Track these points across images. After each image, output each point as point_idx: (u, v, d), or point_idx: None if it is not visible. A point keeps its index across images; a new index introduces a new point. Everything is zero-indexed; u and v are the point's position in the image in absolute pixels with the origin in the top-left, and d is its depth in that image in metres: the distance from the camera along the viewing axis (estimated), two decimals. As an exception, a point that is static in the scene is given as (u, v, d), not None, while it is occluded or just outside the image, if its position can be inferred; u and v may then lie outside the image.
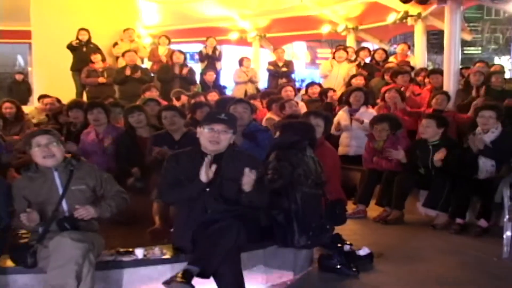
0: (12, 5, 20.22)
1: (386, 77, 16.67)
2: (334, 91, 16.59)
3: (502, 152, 10.87)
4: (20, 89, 27.19)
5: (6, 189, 7.94)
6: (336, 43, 22.31)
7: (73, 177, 7.63)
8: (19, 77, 29.59)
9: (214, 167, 7.48)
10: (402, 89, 15.30)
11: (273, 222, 8.18)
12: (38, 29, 20.41)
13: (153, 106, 12.69)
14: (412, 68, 17.38)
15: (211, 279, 7.31)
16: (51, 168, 7.63)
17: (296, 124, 9.34)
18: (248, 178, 7.47)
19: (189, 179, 7.71)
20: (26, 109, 16.28)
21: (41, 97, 17.52)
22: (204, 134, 7.73)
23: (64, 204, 7.56)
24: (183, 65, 19.79)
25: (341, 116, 14.33)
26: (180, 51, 20.44)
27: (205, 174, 7.48)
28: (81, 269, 7.05)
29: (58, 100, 15.92)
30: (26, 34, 21.43)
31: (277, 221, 8.18)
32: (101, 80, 18.59)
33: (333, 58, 20.00)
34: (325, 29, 21.84)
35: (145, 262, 7.89)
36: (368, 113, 13.95)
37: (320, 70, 20.38)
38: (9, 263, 7.61)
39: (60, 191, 7.58)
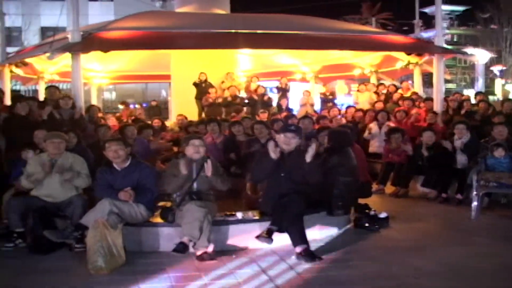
0: (158, 58, 20.39)
1: (400, 102, 16.56)
2: (357, 110, 16.64)
3: (471, 151, 10.97)
4: (154, 110, 27.36)
5: (156, 173, 8.06)
6: (363, 81, 22.17)
7: (203, 168, 7.71)
8: (153, 103, 29.83)
9: (278, 149, 7.68)
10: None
11: (323, 199, 8.16)
12: (175, 73, 20.55)
13: (247, 121, 12.65)
14: (419, 96, 17.21)
15: (285, 234, 7.33)
16: (194, 160, 7.77)
17: (337, 132, 9.33)
18: (310, 152, 7.57)
19: (270, 168, 7.78)
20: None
21: (179, 115, 17.67)
22: (280, 139, 7.85)
23: (195, 184, 7.70)
24: (265, 94, 19.81)
25: (372, 127, 14.26)
26: (263, 86, 20.53)
27: (273, 153, 7.63)
28: (202, 225, 7.16)
29: (185, 117, 15.98)
30: (167, 77, 21.61)
31: (327, 199, 8.17)
32: (214, 104, 18.63)
33: (358, 90, 20.02)
34: (356, 72, 21.74)
35: (243, 221, 8.00)
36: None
37: (352, 98, 20.30)
38: (159, 220, 7.77)
39: (194, 175, 7.72)
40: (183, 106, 18.84)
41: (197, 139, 8.01)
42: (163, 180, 7.96)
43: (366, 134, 14.31)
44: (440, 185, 11.13)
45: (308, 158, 7.63)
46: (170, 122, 17.61)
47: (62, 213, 8.08)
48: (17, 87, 25.46)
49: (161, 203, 8.12)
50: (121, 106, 22.92)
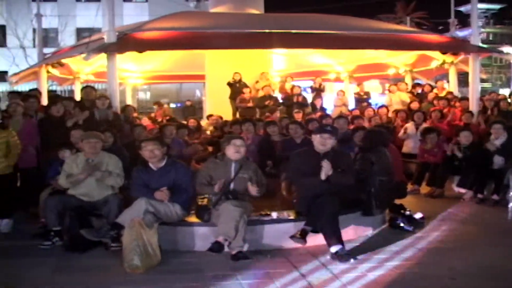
0: (192, 59, 20.43)
1: (435, 102, 16.44)
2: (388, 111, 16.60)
3: (508, 151, 10.90)
4: (189, 110, 27.42)
5: (191, 173, 8.10)
6: (398, 80, 22.02)
7: (242, 169, 7.72)
8: (188, 103, 29.94)
9: (331, 171, 7.61)
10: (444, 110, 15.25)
11: (359, 198, 8.14)
12: (210, 73, 20.58)
13: (285, 121, 12.68)
14: (454, 96, 17.06)
15: (320, 234, 7.34)
16: (234, 160, 7.78)
17: (373, 132, 9.29)
18: (324, 170, 7.63)
19: (306, 169, 7.83)
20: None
21: (209, 116, 17.71)
22: (316, 139, 7.87)
23: (232, 184, 7.70)
24: (300, 94, 19.77)
25: (409, 127, 14.19)
26: (298, 86, 20.50)
27: (324, 175, 7.60)
28: (238, 224, 7.17)
29: (221, 117, 16.00)
30: (202, 77, 21.66)
31: (362, 198, 8.17)
32: (249, 104, 18.64)
33: (389, 90, 19.95)
34: (391, 71, 21.63)
35: (278, 221, 8.00)
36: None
37: (385, 99, 20.21)
38: (194, 219, 7.82)
39: (232, 175, 7.75)
40: (217, 106, 18.88)
41: (238, 139, 8.00)
42: (196, 181, 8.01)
43: (401, 134, 14.22)
44: (476, 185, 11.01)
45: (323, 176, 7.66)
46: (203, 122, 17.66)
47: (98, 212, 8.18)
48: (54, 87, 25.69)
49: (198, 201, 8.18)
50: (155, 106, 23.01)
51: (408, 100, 18.07)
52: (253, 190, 7.74)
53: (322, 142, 7.84)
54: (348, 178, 7.84)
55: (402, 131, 14.27)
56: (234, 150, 7.82)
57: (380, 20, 29.38)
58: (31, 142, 10.15)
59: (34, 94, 12.33)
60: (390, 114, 16.46)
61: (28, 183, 10.13)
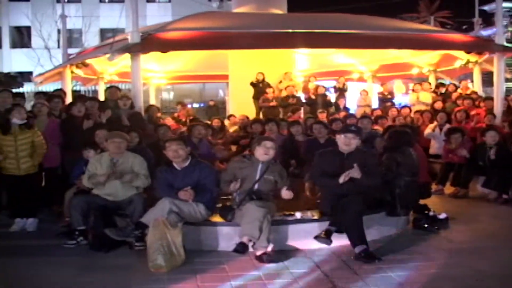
0: (215, 59, 20.47)
1: (459, 101, 16.34)
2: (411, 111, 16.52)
3: None
4: (212, 110, 27.49)
5: (216, 173, 8.11)
6: (421, 80, 21.91)
7: (268, 170, 7.72)
8: (212, 103, 30.02)
9: (359, 176, 7.58)
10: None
11: (383, 199, 8.11)
12: (233, 73, 20.60)
13: (310, 121, 12.69)
14: (478, 96, 16.95)
15: (345, 234, 7.34)
16: (261, 161, 7.78)
17: (398, 132, 9.24)
18: (353, 173, 7.55)
19: (330, 169, 7.81)
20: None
21: (229, 116, 17.76)
22: (340, 139, 7.85)
23: (256, 185, 7.70)
24: (324, 94, 19.76)
25: (432, 128, 14.11)
26: (323, 86, 20.45)
27: (343, 179, 7.55)
28: (262, 225, 7.17)
29: (247, 117, 16.00)
30: (225, 77, 21.69)
31: (386, 198, 8.15)
32: (272, 104, 18.66)
33: (413, 90, 19.83)
34: (414, 71, 21.54)
35: (302, 221, 8.00)
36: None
37: (409, 98, 20.10)
38: (218, 219, 7.85)
39: (257, 177, 7.74)
40: (240, 106, 18.91)
41: (269, 141, 7.97)
42: (221, 177, 8.03)
43: (426, 134, 14.12)
44: (501, 186, 10.93)
45: (341, 179, 7.59)
46: (226, 122, 17.69)
47: (122, 212, 8.23)
48: (77, 88, 25.86)
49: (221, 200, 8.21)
50: (178, 107, 23.06)
51: (430, 100, 17.98)
52: (287, 194, 7.77)
53: (346, 142, 7.82)
54: (373, 179, 7.79)
55: (426, 131, 14.16)
56: (263, 152, 7.80)
57: (403, 20, 29.27)
58: (55, 141, 10.22)
59: (59, 94, 12.41)
60: (412, 114, 16.31)
61: (52, 182, 10.23)
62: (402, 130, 9.50)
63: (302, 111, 18.68)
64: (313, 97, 19.64)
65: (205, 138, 11.50)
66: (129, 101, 12.39)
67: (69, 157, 10.06)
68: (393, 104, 20.47)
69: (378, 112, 16.69)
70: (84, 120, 10.59)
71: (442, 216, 9.07)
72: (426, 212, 9.06)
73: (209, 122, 14.89)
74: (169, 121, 16.04)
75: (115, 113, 11.85)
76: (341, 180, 7.56)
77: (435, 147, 13.80)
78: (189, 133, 11.35)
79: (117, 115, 11.88)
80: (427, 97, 18.65)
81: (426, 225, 8.71)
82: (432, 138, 13.96)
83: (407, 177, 8.17)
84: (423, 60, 20.52)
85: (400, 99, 23.77)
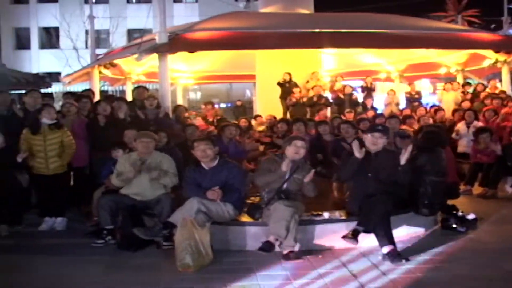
0: (242, 59, 20.52)
1: (487, 101, 16.21)
2: (441, 110, 16.29)
3: None
4: (239, 110, 27.53)
5: (244, 173, 8.16)
6: (449, 80, 21.78)
7: (298, 169, 7.73)
8: (239, 103, 30.09)
9: (363, 149, 7.72)
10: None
11: (411, 198, 8.07)
12: (260, 73, 20.65)
13: (337, 121, 12.66)
14: (507, 95, 16.82)
15: (372, 234, 7.31)
16: (291, 161, 7.77)
17: (432, 133, 9.20)
18: (406, 155, 7.58)
19: (357, 168, 7.78)
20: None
21: (256, 116, 17.80)
22: (368, 139, 7.86)
23: (285, 184, 7.73)
24: (352, 94, 19.73)
25: (460, 127, 13.99)
26: (350, 85, 20.41)
27: (358, 152, 7.65)
28: (289, 224, 7.19)
29: (274, 117, 15.99)
30: (252, 77, 21.73)
31: (414, 198, 8.08)
32: (301, 100, 18.68)
33: (444, 89, 19.64)
34: (442, 70, 21.46)
35: (329, 221, 7.98)
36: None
37: (437, 97, 19.98)
38: (246, 218, 7.89)
39: (287, 176, 7.75)
40: (267, 106, 18.94)
41: (300, 140, 8.00)
42: (256, 173, 8.08)
43: (454, 135, 13.98)
44: (530, 186, 10.85)
45: (403, 160, 7.61)
46: (254, 122, 17.72)
47: (150, 211, 8.28)
48: (105, 88, 26.05)
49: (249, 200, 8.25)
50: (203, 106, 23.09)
51: (459, 99, 17.88)
52: (309, 177, 7.77)
53: (373, 142, 7.82)
54: (402, 178, 7.76)
55: (455, 132, 14.05)
56: (294, 151, 7.81)
57: (431, 19, 29.11)
58: (83, 141, 10.30)
59: (87, 94, 12.50)
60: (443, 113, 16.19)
61: (80, 182, 10.33)
62: (436, 131, 9.47)
63: (328, 110, 18.64)
64: (341, 96, 19.60)
65: (234, 138, 11.52)
66: (155, 101, 12.46)
67: (97, 157, 10.16)
68: (420, 103, 20.34)
69: (407, 112, 16.61)
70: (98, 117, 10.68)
71: (471, 216, 9.01)
72: (455, 212, 8.97)
73: (236, 122, 14.91)
74: (199, 121, 16.10)
75: (144, 114, 11.94)
76: (357, 153, 7.66)
77: (462, 145, 13.64)
78: (219, 133, 11.39)
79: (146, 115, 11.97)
80: (456, 96, 18.55)
81: (454, 226, 8.64)
82: (459, 138, 13.84)
83: (435, 178, 8.08)
84: (450, 60, 20.41)
85: (427, 98, 23.66)
